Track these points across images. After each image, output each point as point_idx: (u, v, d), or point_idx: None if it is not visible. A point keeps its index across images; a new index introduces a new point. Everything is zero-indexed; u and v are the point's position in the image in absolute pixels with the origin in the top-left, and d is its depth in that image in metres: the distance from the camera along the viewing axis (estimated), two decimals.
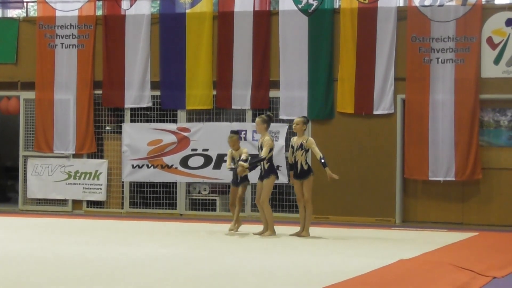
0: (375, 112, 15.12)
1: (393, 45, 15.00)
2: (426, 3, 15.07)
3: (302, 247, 11.50)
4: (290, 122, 15.45)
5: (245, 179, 12.67)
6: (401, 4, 15.52)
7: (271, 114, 12.70)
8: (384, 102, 15.11)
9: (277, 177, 12.10)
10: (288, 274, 8.73)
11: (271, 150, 11.89)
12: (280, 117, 15.71)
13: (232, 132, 12.89)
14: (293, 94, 15.77)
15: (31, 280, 7.94)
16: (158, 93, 16.46)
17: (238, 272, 8.98)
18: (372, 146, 15.14)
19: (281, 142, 15.55)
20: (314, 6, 15.39)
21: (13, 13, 18.75)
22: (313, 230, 13.18)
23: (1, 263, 9.32)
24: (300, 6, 15.45)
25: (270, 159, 11.94)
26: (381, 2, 15.23)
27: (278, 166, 15.30)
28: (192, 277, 8.50)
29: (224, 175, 15.64)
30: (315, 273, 8.69)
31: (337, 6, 15.54)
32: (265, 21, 15.94)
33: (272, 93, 15.95)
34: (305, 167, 11.96)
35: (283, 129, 15.59)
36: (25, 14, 18.31)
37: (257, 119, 12.14)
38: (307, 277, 8.39)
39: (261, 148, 11.79)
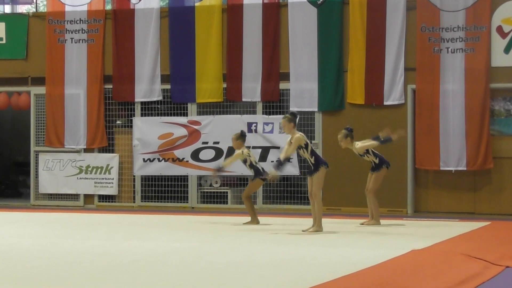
0: (385, 103, 15.16)
1: (403, 35, 15.02)
2: None
3: (314, 238, 11.56)
4: (300, 114, 15.47)
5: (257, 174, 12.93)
6: None
7: (294, 111, 12.72)
8: (394, 92, 15.15)
9: (327, 166, 11.80)
10: (300, 265, 8.80)
11: (306, 145, 11.64)
12: (291, 109, 15.61)
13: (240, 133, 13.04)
14: (303, 86, 15.81)
15: (43, 275, 8.07)
16: (168, 86, 16.54)
17: (250, 264, 9.08)
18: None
19: None
20: None
21: (22, 8, 18.78)
22: (325, 222, 13.23)
23: (13, 259, 9.43)
24: None
25: (313, 153, 11.76)
26: None
27: (289, 158, 15.34)
28: (205, 270, 8.56)
29: (235, 167, 15.54)
30: (327, 264, 8.75)
31: None
32: (274, 13, 15.97)
33: (282, 85, 15.99)
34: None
35: None
36: (34, 10, 18.44)
37: (282, 120, 12.04)
38: (319, 268, 8.44)
39: (299, 147, 11.77)
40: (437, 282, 7.50)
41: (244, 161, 13.14)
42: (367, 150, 12.82)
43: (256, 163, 13.32)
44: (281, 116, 15.17)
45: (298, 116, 12.55)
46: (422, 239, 10.90)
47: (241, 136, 12.77)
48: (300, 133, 11.92)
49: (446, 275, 7.87)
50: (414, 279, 7.70)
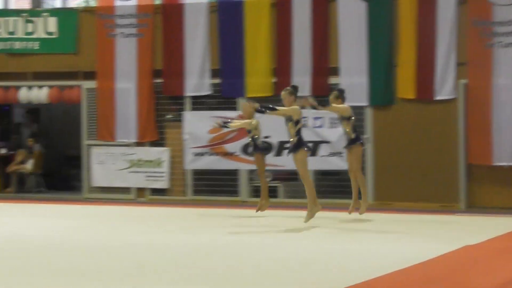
0: (436, 98, 15.12)
1: (454, 30, 14.94)
2: None
3: (365, 233, 11.73)
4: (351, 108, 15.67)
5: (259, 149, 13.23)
6: None
7: (295, 85, 12.68)
8: (445, 87, 15.11)
9: (309, 149, 12.17)
10: (352, 260, 9.15)
11: (298, 121, 11.72)
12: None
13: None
14: (353, 80, 15.71)
15: (95, 268, 8.37)
16: (218, 81, 16.61)
17: (301, 258, 9.22)
18: (434, 132, 15.16)
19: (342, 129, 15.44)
20: None
21: (73, 3, 18.95)
22: (377, 216, 13.43)
23: (70, 251, 9.75)
24: None
25: (299, 132, 11.82)
26: None
27: (339, 153, 15.60)
28: (259, 264, 8.78)
29: (286, 162, 15.63)
30: (379, 259, 8.93)
31: None
32: (323, 8, 15.92)
33: (332, 80, 15.94)
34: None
35: None
36: (85, 4, 18.71)
37: (282, 92, 12.20)
38: (371, 263, 8.64)
39: (290, 120, 11.87)
40: (491, 278, 7.62)
41: (249, 131, 13.33)
42: (349, 119, 12.78)
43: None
44: None
45: (299, 89, 12.54)
46: (475, 235, 10.94)
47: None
48: (298, 107, 11.98)
49: (500, 271, 8.01)
50: (467, 275, 7.85)
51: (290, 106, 11.96)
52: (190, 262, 9.06)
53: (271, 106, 12.15)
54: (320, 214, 13.77)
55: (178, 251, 9.96)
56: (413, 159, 15.04)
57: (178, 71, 16.83)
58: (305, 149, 11.98)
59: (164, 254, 9.66)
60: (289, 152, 12.21)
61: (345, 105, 12.77)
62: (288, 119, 11.94)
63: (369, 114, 15.79)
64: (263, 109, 12.02)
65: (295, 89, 12.18)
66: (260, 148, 13.58)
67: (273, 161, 16.26)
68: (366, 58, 15.74)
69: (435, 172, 15.01)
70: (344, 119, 12.88)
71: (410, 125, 15.22)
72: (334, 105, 13.03)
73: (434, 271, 8.12)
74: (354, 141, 12.78)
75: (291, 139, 11.96)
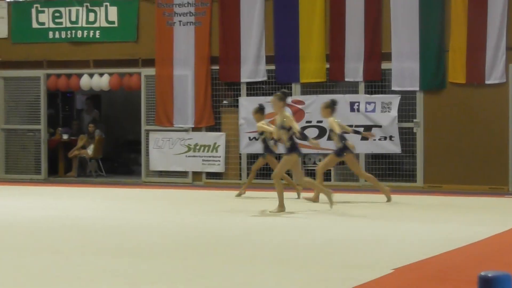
0: (486, 82, 15.17)
1: (505, 14, 14.95)
2: None
3: (414, 215, 11.88)
4: (402, 93, 15.81)
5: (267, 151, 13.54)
6: None
7: (286, 90, 12.67)
8: (495, 71, 15.12)
9: (300, 154, 12.09)
10: (401, 241, 9.24)
11: (290, 128, 11.66)
12: (392, 88, 15.93)
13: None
14: (404, 65, 15.87)
15: (155, 248, 8.69)
16: (272, 67, 16.75)
17: (351, 240, 9.48)
18: (484, 115, 15.22)
19: (393, 113, 15.82)
20: None
21: None
22: (426, 199, 13.65)
23: (129, 233, 10.08)
24: None
25: (292, 138, 11.81)
26: None
27: (391, 137, 15.81)
28: (307, 245, 9.04)
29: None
30: (428, 241, 9.09)
31: None
32: None
33: (384, 65, 16.07)
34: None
35: (395, 100, 15.82)
36: None
37: (272, 97, 12.16)
38: (420, 244, 8.82)
39: (281, 127, 11.70)
40: None
41: (261, 133, 13.49)
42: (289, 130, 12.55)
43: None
44: (383, 95, 15.88)
45: (289, 96, 12.57)
46: None
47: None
48: (288, 113, 12.03)
49: None
50: None
51: (279, 111, 11.88)
52: (239, 243, 9.29)
53: (302, 133, 12.21)
54: (369, 196, 14.09)
55: (228, 233, 10.19)
56: (463, 143, 15.09)
57: (234, 57, 17.02)
58: (297, 154, 12.00)
59: (219, 235, 9.92)
60: (283, 154, 12.13)
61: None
62: (281, 127, 11.92)
63: (420, 98, 15.87)
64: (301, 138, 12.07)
65: (285, 95, 12.12)
66: (270, 149, 13.72)
67: (326, 145, 16.06)
68: (418, 43, 15.81)
69: (484, 154, 15.06)
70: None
71: (460, 109, 15.28)
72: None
73: (483, 253, 8.27)
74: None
75: (285, 145, 11.88)
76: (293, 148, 11.75)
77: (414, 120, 15.85)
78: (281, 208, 12.01)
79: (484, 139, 15.19)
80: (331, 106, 13.03)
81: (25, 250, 8.79)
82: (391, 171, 16.14)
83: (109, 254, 8.53)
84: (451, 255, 8.17)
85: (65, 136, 19.64)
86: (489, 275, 3.50)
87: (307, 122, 16.44)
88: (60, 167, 19.52)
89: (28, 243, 9.45)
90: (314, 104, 16.37)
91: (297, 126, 11.93)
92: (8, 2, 19.15)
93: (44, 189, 16.78)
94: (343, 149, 12.84)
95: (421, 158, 15.91)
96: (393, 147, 15.78)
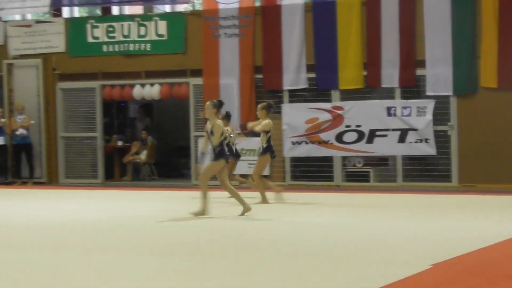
0: None
1: None
2: None
3: (450, 213, 12.02)
4: (436, 98, 15.97)
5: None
6: None
7: (221, 100, 12.38)
8: None
9: (227, 161, 11.86)
10: (438, 238, 9.34)
11: (223, 133, 11.67)
12: (427, 93, 16.09)
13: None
14: (438, 72, 16.03)
15: (205, 247, 9.01)
16: (313, 75, 16.97)
17: (390, 237, 9.56)
18: None
19: (428, 117, 15.99)
20: None
21: (181, 7, 19.36)
22: (461, 198, 13.83)
23: (183, 231, 10.39)
24: None
25: (221, 144, 11.71)
26: None
27: (426, 139, 15.93)
28: (348, 242, 9.15)
29: (376, 148, 16.35)
30: (464, 237, 9.27)
31: None
32: (410, 5, 16.23)
33: (419, 71, 16.24)
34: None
35: (430, 104, 16.00)
36: (191, 8, 19.11)
37: (207, 103, 12.00)
38: (456, 241, 8.95)
39: (211, 133, 11.59)
40: None
41: (224, 138, 12.66)
42: (266, 132, 13.36)
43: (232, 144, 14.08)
44: (419, 100, 16.07)
45: (223, 105, 12.14)
46: None
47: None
48: (219, 120, 11.83)
49: None
50: None
51: (210, 117, 11.72)
52: (284, 242, 9.42)
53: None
54: (406, 196, 14.38)
55: (272, 232, 10.33)
56: (496, 144, 15.28)
57: (277, 67, 17.23)
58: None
59: (263, 235, 10.04)
60: (214, 160, 11.84)
61: (267, 120, 13.28)
62: (211, 133, 11.70)
63: (453, 102, 16.04)
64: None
65: (220, 103, 11.90)
66: (234, 154, 14.13)
67: (364, 148, 16.61)
68: (451, 50, 15.97)
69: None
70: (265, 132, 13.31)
71: (492, 112, 15.44)
72: (258, 124, 13.54)
73: None
74: (265, 150, 13.35)
75: (215, 149, 11.67)
76: (221, 155, 11.61)
77: (448, 123, 16.01)
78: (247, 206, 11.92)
79: None
80: (267, 108, 13.37)
81: (89, 250, 9.01)
82: (427, 172, 16.31)
83: (164, 252, 8.70)
84: (488, 251, 8.28)
85: (119, 143, 19.88)
86: None
87: (346, 126, 16.65)
88: (116, 171, 19.76)
89: (89, 243, 9.68)
90: (352, 110, 16.62)
91: (226, 134, 11.99)
92: (65, 18, 19.60)
93: (101, 193, 16.95)
94: (267, 149, 13.33)
95: (455, 159, 16.04)
96: (429, 149, 15.97)
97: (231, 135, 13.98)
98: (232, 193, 12.17)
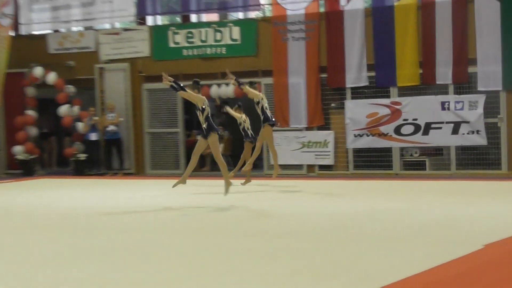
0: None
1: None
2: None
3: (501, 198, 12.27)
4: (487, 93, 16.37)
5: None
6: None
7: (196, 79, 12.24)
8: None
9: (217, 132, 11.83)
10: (491, 220, 9.51)
11: (203, 109, 11.55)
12: (478, 88, 16.48)
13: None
14: (488, 69, 16.38)
15: (290, 230, 9.23)
16: (373, 73, 17.49)
17: (448, 219, 9.72)
18: None
19: (480, 110, 16.41)
20: None
21: (252, 14, 19.84)
22: (509, 184, 14.07)
23: (269, 216, 10.68)
24: None
25: (207, 119, 11.65)
26: None
27: (478, 131, 16.31)
28: (409, 226, 9.28)
29: (432, 139, 16.83)
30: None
31: None
32: (462, 8, 16.66)
33: (471, 69, 16.62)
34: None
35: (481, 99, 16.44)
36: (262, 15, 19.66)
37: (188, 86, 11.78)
38: (509, 223, 9.17)
39: (200, 110, 11.61)
40: None
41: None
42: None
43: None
44: (471, 95, 16.47)
45: (199, 83, 12.06)
46: None
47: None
48: (203, 97, 11.77)
49: None
50: None
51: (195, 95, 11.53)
52: (351, 226, 9.49)
53: (182, 85, 11.83)
54: (459, 183, 14.65)
55: (342, 216, 10.48)
56: None
57: (340, 66, 17.75)
58: (216, 132, 11.78)
59: (336, 220, 10.13)
60: (205, 138, 11.82)
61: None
62: (196, 108, 11.75)
63: (503, 97, 16.48)
64: (177, 86, 11.64)
65: (196, 83, 11.92)
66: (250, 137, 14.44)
67: (420, 139, 17.01)
68: (500, 49, 16.34)
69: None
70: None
71: None
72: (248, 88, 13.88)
73: None
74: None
75: (203, 126, 11.67)
76: (210, 129, 11.66)
77: (498, 116, 16.51)
78: (229, 183, 11.94)
79: None
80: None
81: (178, 232, 9.38)
82: (478, 161, 16.71)
83: (252, 235, 8.97)
84: None
85: (198, 137, 19.61)
86: None
87: (404, 120, 17.08)
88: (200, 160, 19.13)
89: (176, 226, 10.04)
90: (409, 105, 17.12)
91: (187, 94, 11.66)
92: (149, 26, 20.15)
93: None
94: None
95: (505, 148, 16.46)
96: (480, 140, 16.44)
97: (244, 121, 14.57)
98: (222, 166, 11.93)
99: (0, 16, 20.49)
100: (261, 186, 15.29)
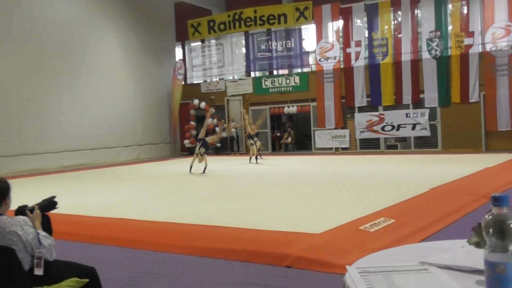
0: None
1: None
2: None
3: (441, 163, 10.97)
4: (430, 108, 15.23)
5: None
6: None
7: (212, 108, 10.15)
8: None
9: None
10: (440, 176, 8.45)
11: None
12: (425, 106, 15.50)
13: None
14: (430, 95, 15.34)
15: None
16: (369, 99, 16.26)
17: (412, 176, 8.68)
18: None
19: (426, 117, 15.33)
20: None
21: (305, 69, 18.36)
22: None
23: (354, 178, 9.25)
24: None
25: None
26: None
27: (425, 128, 15.11)
28: (388, 179, 8.32)
29: (401, 133, 15.89)
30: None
31: None
32: (415, 65, 15.70)
33: (421, 95, 15.60)
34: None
35: (427, 111, 15.35)
36: (310, 69, 18.09)
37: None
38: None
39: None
40: None
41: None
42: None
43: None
44: (421, 109, 15.51)
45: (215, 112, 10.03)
46: None
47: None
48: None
49: None
50: None
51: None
52: (360, 178, 8.61)
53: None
54: (415, 156, 13.50)
55: (354, 174, 9.46)
56: None
57: (351, 95, 16.56)
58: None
59: (348, 175, 9.10)
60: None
61: None
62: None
63: (438, 110, 15.50)
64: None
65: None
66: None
67: (395, 133, 16.15)
68: (436, 85, 15.26)
69: None
70: None
71: None
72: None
73: None
74: None
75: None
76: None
77: (436, 120, 15.53)
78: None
79: None
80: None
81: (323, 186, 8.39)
82: (425, 144, 15.71)
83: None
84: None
85: (278, 133, 19.83)
86: None
87: (386, 123, 16.14)
88: (277, 147, 19.58)
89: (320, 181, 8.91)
90: (389, 115, 16.01)
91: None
92: (252, 77, 19.13)
93: (271, 158, 15.92)
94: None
95: (440, 137, 15.59)
96: (426, 133, 15.47)
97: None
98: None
99: (177, 74, 20.48)
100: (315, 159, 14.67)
